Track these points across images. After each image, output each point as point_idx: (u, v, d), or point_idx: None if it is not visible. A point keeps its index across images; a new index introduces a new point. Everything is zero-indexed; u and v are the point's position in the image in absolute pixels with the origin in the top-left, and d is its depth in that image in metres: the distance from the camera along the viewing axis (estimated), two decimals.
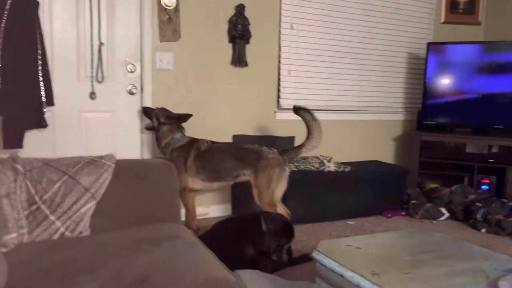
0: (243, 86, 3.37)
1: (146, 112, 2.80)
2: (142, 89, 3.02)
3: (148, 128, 2.80)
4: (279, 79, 3.51)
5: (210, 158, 2.65)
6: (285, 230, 2.29)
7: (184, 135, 2.75)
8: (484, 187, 3.59)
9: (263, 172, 2.61)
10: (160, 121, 2.71)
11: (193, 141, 2.72)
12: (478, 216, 3.20)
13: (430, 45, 3.78)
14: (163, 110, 2.76)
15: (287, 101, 3.54)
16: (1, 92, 2.45)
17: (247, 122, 3.41)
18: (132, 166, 1.93)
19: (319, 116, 2.85)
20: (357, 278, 1.37)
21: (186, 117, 2.68)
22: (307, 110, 2.77)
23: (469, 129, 3.81)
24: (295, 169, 3.26)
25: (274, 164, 2.63)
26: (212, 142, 2.76)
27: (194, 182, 2.67)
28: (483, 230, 3.14)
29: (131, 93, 2.99)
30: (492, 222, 3.12)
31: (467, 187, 3.53)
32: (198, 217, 2.81)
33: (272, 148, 2.71)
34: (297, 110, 2.82)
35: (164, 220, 1.80)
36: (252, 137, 3.35)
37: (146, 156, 3.07)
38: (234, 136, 3.33)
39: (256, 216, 2.28)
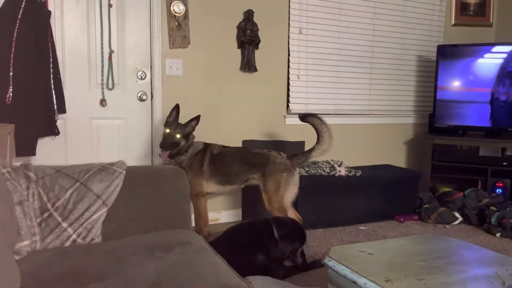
0: (253, 91, 3.38)
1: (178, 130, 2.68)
2: (152, 95, 3.04)
3: (171, 156, 2.64)
4: (288, 84, 3.51)
5: (222, 162, 2.68)
6: (297, 234, 2.28)
7: (197, 142, 2.79)
8: (498, 190, 3.53)
9: (271, 177, 2.62)
10: (189, 131, 2.70)
11: (207, 146, 2.76)
12: (493, 220, 3.16)
13: (440, 47, 3.76)
14: (178, 123, 2.71)
15: (297, 106, 3.54)
16: (13, 100, 2.49)
17: (257, 127, 3.42)
18: (142, 172, 1.94)
19: (329, 120, 2.85)
20: (370, 285, 1.35)
21: (198, 119, 2.70)
22: (314, 115, 2.79)
23: (482, 132, 3.76)
24: (305, 174, 3.25)
25: (281, 169, 2.63)
26: (223, 147, 2.79)
27: (209, 186, 2.70)
28: (498, 234, 3.09)
29: (141, 99, 3.02)
30: (507, 226, 3.06)
31: (481, 190, 3.48)
32: (209, 223, 2.81)
33: (281, 153, 2.72)
34: (304, 117, 2.84)
35: (175, 226, 1.80)
36: (262, 142, 3.36)
37: (157, 162, 3.08)
38: (244, 141, 3.34)
39: (267, 223, 2.27)
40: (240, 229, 2.31)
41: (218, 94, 3.26)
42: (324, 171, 3.31)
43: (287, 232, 2.24)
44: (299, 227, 2.32)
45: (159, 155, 2.70)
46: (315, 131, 2.79)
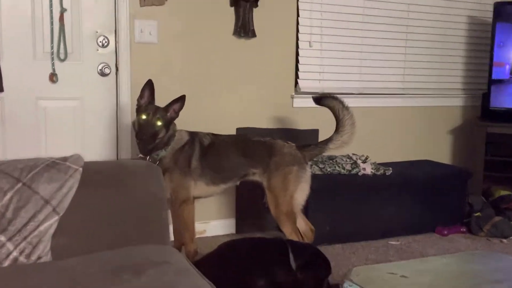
0: (250, 63, 3.36)
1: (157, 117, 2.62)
2: (117, 68, 3.03)
3: (147, 152, 2.62)
4: (297, 54, 3.49)
5: (215, 154, 2.73)
6: (321, 262, 2.30)
7: (180, 130, 2.77)
8: None
9: (277, 171, 2.68)
10: (172, 118, 2.66)
11: (193, 136, 2.77)
12: None
13: (498, 5, 3.74)
14: (156, 106, 2.68)
15: (309, 83, 3.52)
16: None
17: (256, 110, 3.42)
18: (106, 170, 1.93)
19: (351, 102, 2.84)
20: None
21: (182, 101, 2.67)
22: (334, 97, 2.81)
23: None
24: (319, 172, 3.26)
25: (290, 161, 2.69)
26: (213, 135, 2.82)
27: (198, 187, 2.73)
28: None
29: (103, 73, 3.01)
30: None
31: None
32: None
33: (289, 142, 2.78)
34: (319, 99, 2.87)
35: (148, 241, 1.81)
36: (262, 131, 3.37)
37: (125, 156, 3.08)
38: (239, 130, 3.35)
39: (279, 244, 2.30)
40: (238, 246, 2.32)
41: (204, 67, 3.25)
42: (344, 168, 3.32)
43: (308, 261, 2.26)
44: (322, 253, 2.34)
45: (138, 155, 2.67)
46: (333, 117, 2.80)
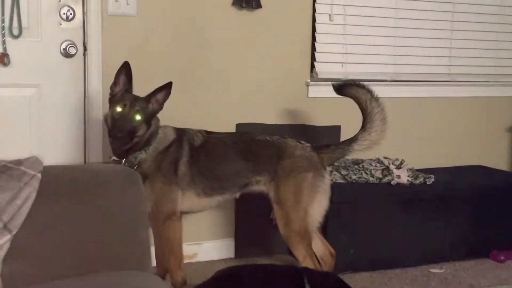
0: (253, 41, 3.37)
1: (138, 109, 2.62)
2: (85, 47, 3.04)
3: (122, 153, 2.65)
4: (314, 30, 3.50)
5: (209, 157, 2.75)
6: None
7: (165, 126, 2.79)
8: None
9: (288, 179, 2.71)
10: (154, 111, 2.68)
11: (181, 134, 2.78)
12: None
13: None
14: (135, 96, 2.69)
15: (328, 67, 3.53)
16: None
17: (260, 102, 3.43)
18: (70, 177, 1.93)
19: (381, 92, 2.85)
20: None
21: (168, 89, 2.68)
22: (360, 85, 2.82)
23: None
24: (341, 181, 3.27)
25: (304, 166, 2.72)
26: (207, 133, 2.83)
27: (187, 199, 2.74)
28: None
29: (67, 54, 3.02)
30: None
31: None
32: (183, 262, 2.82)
33: (302, 142, 2.80)
34: (342, 88, 2.89)
35: (124, 267, 1.81)
36: (268, 127, 3.37)
37: (94, 159, 3.09)
38: (239, 126, 3.36)
39: (292, 272, 2.30)
40: (239, 276, 2.31)
41: (195, 47, 3.26)
42: (372, 176, 3.33)
43: None
44: (346, 284, 2.33)
45: (111, 158, 2.69)
46: (359, 110, 2.81)
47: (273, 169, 2.72)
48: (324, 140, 3.19)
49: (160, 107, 2.66)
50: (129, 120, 2.56)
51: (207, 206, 2.85)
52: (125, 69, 2.63)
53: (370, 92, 2.79)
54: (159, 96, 2.64)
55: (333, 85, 2.94)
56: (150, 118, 2.64)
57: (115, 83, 2.64)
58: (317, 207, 2.73)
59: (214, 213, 3.33)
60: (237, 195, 2.84)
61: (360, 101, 2.80)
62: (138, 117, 2.57)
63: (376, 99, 2.79)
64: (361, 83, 2.85)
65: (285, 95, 3.49)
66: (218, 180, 2.75)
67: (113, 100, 2.63)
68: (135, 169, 2.49)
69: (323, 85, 3.44)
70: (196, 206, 2.79)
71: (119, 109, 2.57)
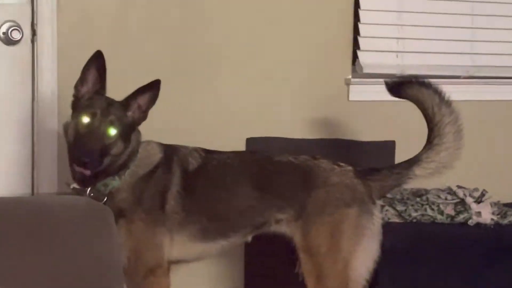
0: (271, 21, 3.47)
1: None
2: (34, 31, 3.15)
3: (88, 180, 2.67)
4: (356, 5, 3.60)
5: (208, 186, 2.80)
6: None
7: (148, 142, 2.85)
8: None
9: (321, 217, 2.74)
10: (135, 121, 2.71)
11: (170, 153, 2.82)
12: None
13: None
14: (108, 99, 2.73)
15: (376, 58, 3.65)
16: None
17: (280, 107, 3.52)
18: (12, 215, 2.00)
19: (455, 93, 2.88)
20: None
21: (155, 89, 2.70)
22: (425, 84, 2.85)
23: None
24: (397, 220, 3.33)
25: (345, 198, 2.75)
26: (206, 152, 2.88)
27: (176, 245, 2.78)
28: None
29: (9, 40, 3.12)
30: None
31: None
32: None
33: (341, 164, 2.84)
34: (400, 87, 2.91)
35: None
36: (291, 144, 3.45)
37: (46, 187, 3.16)
38: (250, 141, 3.46)
39: None
40: None
41: (190, 28, 3.37)
42: (441, 213, 3.37)
43: None
44: None
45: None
46: (422, 119, 2.84)
47: (300, 203, 2.73)
48: (372, 161, 3.25)
49: (144, 115, 2.70)
50: (100, 136, 2.57)
51: (205, 254, 2.91)
52: (97, 61, 2.64)
53: (439, 93, 2.78)
54: (142, 100, 2.67)
55: (386, 83, 2.93)
56: (129, 131, 2.67)
57: (81, 80, 2.65)
58: (363, 258, 2.72)
59: (215, 260, 3.39)
60: (249, 238, 2.87)
61: (425, 106, 2.80)
62: (112, 131, 2.58)
63: (447, 103, 2.78)
64: (426, 80, 2.86)
65: (316, 97, 3.56)
66: (222, 218, 2.78)
67: (78, 105, 2.64)
68: (104, 202, 2.58)
69: (370, 84, 3.53)
70: (190, 254, 2.85)
71: (86, 119, 2.58)
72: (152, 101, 2.69)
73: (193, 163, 2.81)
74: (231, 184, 2.81)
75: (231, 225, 2.81)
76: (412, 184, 2.95)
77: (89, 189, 2.64)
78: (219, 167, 2.83)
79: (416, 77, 2.92)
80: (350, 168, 2.82)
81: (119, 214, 2.56)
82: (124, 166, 2.70)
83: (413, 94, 2.85)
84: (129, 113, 2.67)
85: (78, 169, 2.57)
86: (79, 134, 2.58)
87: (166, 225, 2.73)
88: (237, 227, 2.81)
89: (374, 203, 2.79)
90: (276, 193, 2.78)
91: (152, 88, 2.67)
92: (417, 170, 2.78)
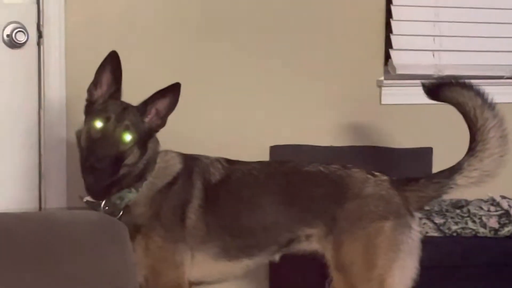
0: (295, 19, 3.41)
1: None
2: (40, 33, 3.09)
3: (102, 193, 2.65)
4: (389, 2, 3.53)
5: (232, 200, 2.74)
6: None
7: (166, 152, 2.78)
8: None
9: (354, 231, 2.66)
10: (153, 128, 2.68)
11: (191, 164, 2.76)
12: None
13: None
14: (124, 104, 2.69)
15: (411, 58, 3.56)
16: None
17: (306, 113, 3.46)
18: (19, 231, 1.94)
19: (499, 95, 2.81)
20: None
21: (175, 93, 2.65)
22: (468, 86, 2.74)
23: None
24: (435, 233, 3.23)
25: (380, 210, 2.68)
26: (229, 163, 2.81)
27: (198, 264, 2.71)
28: None
29: (13, 43, 3.05)
30: None
31: None
32: None
33: (375, 173, 2.78)
34: (439, 89, 2.80)
35: None
36: (318, 152, 3.39)
37: (55, 201, 3.11)
38: (274, 150, 3.40)
39: None
40: None
41: (209, 29, 3.30)
42: (484, 226, 3.28)
43: None
44: None
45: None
46: (463, 123, 2.74)
47: (331, 216, 2.65)
48: (407, 170, 3.16)
49: (162, 122, 2.65)
50: (114, 142, 2.55)
51: (229, 274, 2.83)
52: (112, 63, 2.61)
53: (481, 95, 2.69)
54: (161, 105, 2.63)
55: (423, 85, 2.85)
56: (146, 138, 2.64)
57: (95, 83, 2.62)
58: (399, 275, 2.64)
59: (238, 281, 3.29)
60: (276, 257, 2.79)
61: (466, 109, 2.71)
62: (127, 137, 2.55)
63: (491, 106, 2.68)
64: (467, 81, 2.76)
65: (345, 101, 3.50)
66: (247, 235, 2.71)
67: (91, 110, 2.61)
68: (119, 217, 2.50)
69: (404, 86, 3.47)
70: (212, 274, 2.77)
71: (99, 123, 2.55)
72: (172, 106, 2.63)
73: (216, 174, 2.74)
74: (256, 197, 2.72)
75: (257, 242, 2.72)
76: (452, 195, 2.87)
77: (103, 202, 2.58)
78: (244, 178, 2.76)
79: (455, 78, 2.84)
80: (385, 177, 2.74)
81: (136, 229, 2.52)
82: (140, 177, 2.64)
83: (453, 96, 2.76)
84: (146, 119, 2.62)
85: (90, 178, 2.55)
86: (91, 139, 2.55)
87: (186, 242, 2.66)
88: (263, 244, 2.73)
89: (412, 215, 2.69)
90: (305, 207, 2.69)
91: (172, 92, 2.61)
92: (459, 179, 2.68)
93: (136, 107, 2.60)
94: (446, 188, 2.69)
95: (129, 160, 2.56)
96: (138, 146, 2.58)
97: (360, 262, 2.61)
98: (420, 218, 3.00)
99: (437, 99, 2.83)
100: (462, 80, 2.77)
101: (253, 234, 2.70)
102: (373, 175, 2.71)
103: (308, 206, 2.68)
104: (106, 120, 2.52)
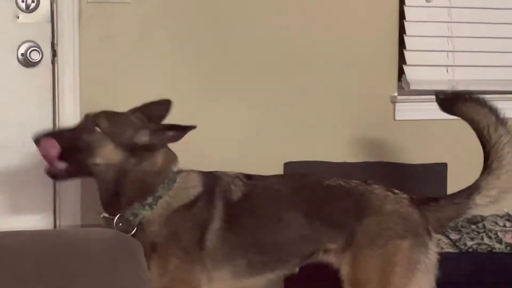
0: (306, 33, 3.41)
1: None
2: (55, 52, 3.09)
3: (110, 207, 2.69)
4: (401, 16, 3.53)
5: (254, 217, 2.72)
6: None
7: (188, 173, 2.78)
8: None
9: (372, 248, 2.64)
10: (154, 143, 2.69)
11: (212, 184, 2.74)
12: None
13: None
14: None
15: (424, 73, 3.55)
16: None
17: (320, 131, 3.45)
18: (32, 251, 1.95)
19: (510, 110, 2.80)
20: None
21: (185, 132, 2.64)
22: (482, 102, 2.72)
23: None
24: (450, 249, 3.20)
25: (398, 229, 2.65)
26: (249, 178, 2.79)
27: (219, 282, 2.69)
28: None
29: (28, 62, 3.06)
30: None
31: None
32: None
33: (395, 191, 2.74)
34: (453, 102, 2.78)
35: None
36: (332, 168, 3.39)
37: (68, 218, 3.11)
38: (287, 166, 3.39)
39: None
40: None
41: (219, 45, 3.31)
42: (500, 241, 3.25)
43: None
44: None
45: (100, 215, 2.66)
46: (475, 139, 2.73)
47: (350, 231, 2.65)
48: (421, 186, 3.18)
49: (161, 145, 2.69)
50: (83, 128, 2.62)
51: None
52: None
53: (494, 112, 2.68)
54: (169, 134, 2.66)
55: (437, 96, 2.84)
56: (142, 148, 2.64)
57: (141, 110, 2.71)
58: None
59: None
60: (297, 269, 2.78)
61: (480, 126, 2.69)
62: (97, 130, 2.60)
63: (503, 122, 2.69)
64: (482, 97, 2.75)
65: (358, 117, 3.50)
66: (270, 250, 2.70)
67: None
68: (133, 234, 2.51)
69: (418, 101, 3.45)
70: None
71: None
72: (177, 139, 2.67)
73: (237, 192, 2.73)
74: (279, 212, 2.71)
75: (280, 257, 2.72)
76: (471, 212, 2.81)
77: (116, 218, 2.59)
78: (265, 194, 2.75)
79: (470, 93, 2.82)
80: (405, 195, 2.72)
81: (152, 248, 2.51)
82: (148, 190, 2.63)
83: (467, 112, 2.75)
84: (145, 133, 2.64)
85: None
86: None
87: (204, 264, 2.64)
88: (286, 258, 2.72)
89: (429, 235, 2.67)
90: (327, 221, 2.68)
91: (185, 130, 2.64)
92: (478, 199, 2.67)
93: (145, 121, 2.66)
94: (466, 209, 2.69)
95: (104, 157, 2.59)
96: (127, 152, 2.60)
97: (376, 280, 2.60)
98: (439, 236, 3.06)
99: (451, 112, 2.82)
100: (476, 96, 2.76)
101: (277, 249, 2.69)
102: (393, 192, 2.70)
103: (330, 220, 2.68)
104: (91, 115, 2.63)
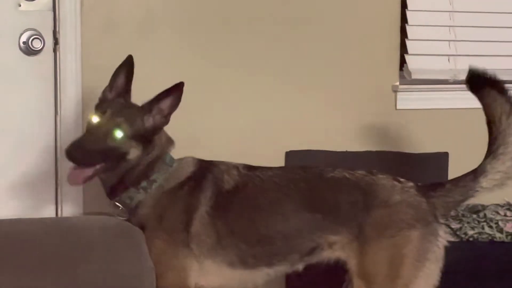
0: (311, 28, 3.41)
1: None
2: (56, 40, 3.10)
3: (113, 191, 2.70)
4: (403, 5, 3.53)
5: (245, 207, 2.70)
6: None
7: (185, 158, 2.79)
8: None
9: (380, 240, 2.62)
10: (154, 125, 2.70)
11: (204, 169, 2.75)
12: None
13: None
14: (125, 103, 2.73)
15: (426, 62, 3.55)
16: None
17: (322, 120, 3.45)
18: (36, 238, 1.98)
19: None
20: None
21: (177, 92, 2.66)
22: (502, 91, 2.70)
23: None
24: (452, 238, 3.07)
25: (408, 219, 2.64)
26: (249, 170, 2.79)
27: (212, 272, 2.68)
28: None
29: (29, 50, 3.06)
30: None
31: None
32: None
33: (401, 180, 2.73)
34: (480, 82, 2.75)
35: None
36: (335, 157, 3.38)
37: (70, 206, 3.12)
38: (289, 155, 3.39)
39: None
40: None
41: (224, 34, 3.32)
42: (501, 230, 3.27)
43: None
44: None
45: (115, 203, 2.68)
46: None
47: (357, 224, 2.62)
48: (423, 175, 3.16)
49: (165, 120, 2.68)
50: (102, 135, 2.59)
51: (248, 282, 2.77)
52: (126, 67, 2.68)
53: (510, 102, 2.66)
54: (164, 104, 2.66)
55: (470, 71, 2.80)
56: (149, 136, 2.66)
57: (110, 86, 2.69)
58: (424, 284, 2.63)
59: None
60: (300, 266, 2.75)
61: (494, 112, 2.67)
62: (119, 133, 2.59)
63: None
64: (504, 85, 2.72)
65: (360, 106, 3.50)
66: (265, 243, 2.68)
67: (96, 106, 2.68)
68: (128, 218, 2.54)
69: (420, 90, 3.46)
70: (230, 281, 2.74)
71: (95, 119, 2.62)
72: (175, 105, 2.68)
73: (229, 181, 2.72)
74: (275, 204, 2.70)
75: (276, 251, 2.69)
76: (474, 199, 2.81)
77: (115, 199, 2.65)
78: (262, 185, 2.73)
79: (495, 76, 2.79)
80: (411, 184, 2.71)
81: (141, 230, 2.53)
82: (144, 176, 2.67)
83: (488, 96, 2.73)
84: (148, 117, 2.65)
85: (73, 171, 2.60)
86: (85, 132, 2.67)
87: (191, 248, 2.64)
88: (283, 253, 2.69)
89: (438, 222, 2.67)
90: (329, 214, 2.65)
91: (175, 91, 2.65)
92: (484, 182, 2.66)
93: (140, 106, 2.66)
94: (472, 192, 2.68)
95: (132, 155, 2.60)
96: (139, 142, 2.62)
97: (385, 272, 2.60)
98: (444, 224, 2.99)
99: (475, 91, 2.78)
100: (499, 80, 2.76)
101: (272, 242, 2.67)
102: (399, 181, 2.69)
103: (333, 213, 2.65)
104: (102, 114, 2.58)
